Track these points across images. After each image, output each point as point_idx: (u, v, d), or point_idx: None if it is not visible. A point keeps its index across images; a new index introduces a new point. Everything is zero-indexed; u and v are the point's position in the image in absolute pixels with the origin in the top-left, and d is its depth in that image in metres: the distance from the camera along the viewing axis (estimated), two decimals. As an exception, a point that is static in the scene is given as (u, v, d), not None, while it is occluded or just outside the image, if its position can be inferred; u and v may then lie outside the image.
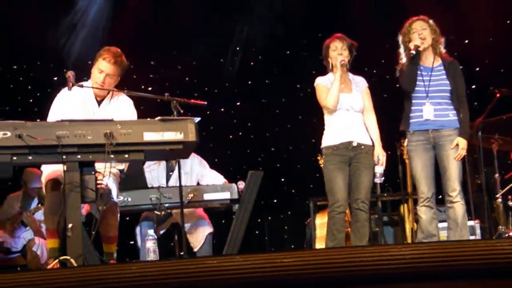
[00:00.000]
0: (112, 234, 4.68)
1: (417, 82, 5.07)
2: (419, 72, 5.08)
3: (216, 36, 8.22)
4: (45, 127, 4.10)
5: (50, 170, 4.49)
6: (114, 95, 4.84)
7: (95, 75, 4.78)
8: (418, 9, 5.25)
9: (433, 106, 5.04)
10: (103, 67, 4.74)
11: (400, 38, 5.19)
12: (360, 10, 8.08)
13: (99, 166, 4.29)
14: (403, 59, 5.18)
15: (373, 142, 5.27)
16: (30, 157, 4.06)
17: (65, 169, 4.09)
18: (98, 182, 4.24)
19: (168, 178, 6.03)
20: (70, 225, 4.04)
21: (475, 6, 7.61)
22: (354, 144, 5.20)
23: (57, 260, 4.10)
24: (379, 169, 5.23)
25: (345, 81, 5.29)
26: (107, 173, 4.15)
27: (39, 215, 6.74)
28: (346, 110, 5.24)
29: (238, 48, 8.57)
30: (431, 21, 5.14)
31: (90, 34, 8.09)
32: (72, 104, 4.72)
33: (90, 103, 4.78)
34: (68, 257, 4.01)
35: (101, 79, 4.74)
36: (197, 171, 6.08)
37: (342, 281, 3.16)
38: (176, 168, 5.62)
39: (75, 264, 3.95)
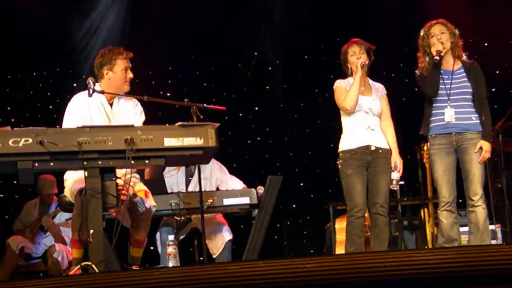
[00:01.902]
0: (141, 238, 4.70)
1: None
2: (440, 76, 5.05)
3: (234, 40, 8.24)
4: (66, 134, 4.12)
5: (75, 178, 4.51)
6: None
7: (120, 76, 4.74)
8: (438, 11, 5.20)
9: (454, 109, 5.00)
10: (127, 64, 4.76)
11: (418, 42, 5.16)
12: (378, 13, 8.06)
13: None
14: (423, 63, 5.15)
15: (390, 148, 5.24)
16: (51, 164, 4.08)
17: (86, 175, 4.11)
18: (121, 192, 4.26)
19: (187, 183, 6.03)
20: (91, 231, 4.06)
21: (495, 9, 7.56)
22: (372, 148, 5.17)
23: (78, 266, 4.11)
24: (396, 176, 5.20)
25: (364, 84, 5.27)
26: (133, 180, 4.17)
27: (58, 219, 6.79)
28: (365, 113, 5.21)
29: (255, 53, 8.58)
30: (449, 25, 5.11)
31: (108, 38, 8.14)
32: (93, 110, 4.72)
33: (105, 106, 4.76)
34: (90, 263, 4.02)
35: (128, 76, 4.75)
36: (217, 177, 6.07)
37: (363, 286, 3.15)
38: (196, 173, 5.63)
39: (96, 270, 3.96)
